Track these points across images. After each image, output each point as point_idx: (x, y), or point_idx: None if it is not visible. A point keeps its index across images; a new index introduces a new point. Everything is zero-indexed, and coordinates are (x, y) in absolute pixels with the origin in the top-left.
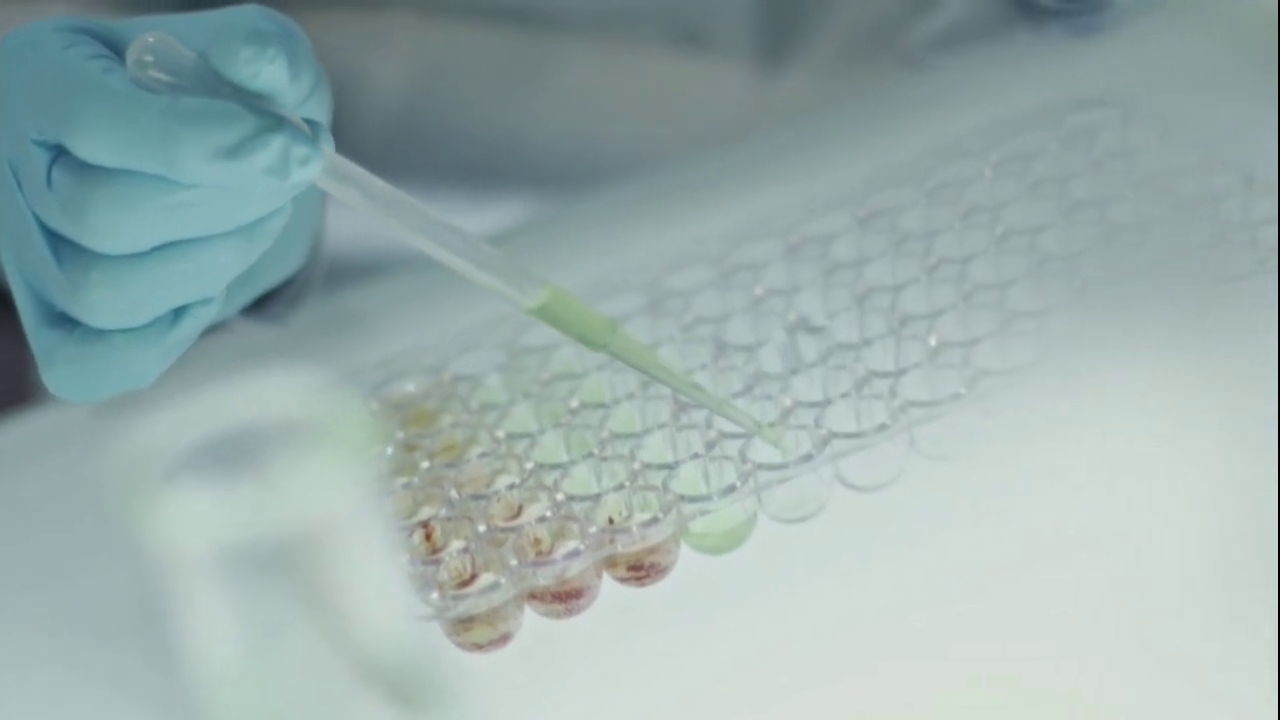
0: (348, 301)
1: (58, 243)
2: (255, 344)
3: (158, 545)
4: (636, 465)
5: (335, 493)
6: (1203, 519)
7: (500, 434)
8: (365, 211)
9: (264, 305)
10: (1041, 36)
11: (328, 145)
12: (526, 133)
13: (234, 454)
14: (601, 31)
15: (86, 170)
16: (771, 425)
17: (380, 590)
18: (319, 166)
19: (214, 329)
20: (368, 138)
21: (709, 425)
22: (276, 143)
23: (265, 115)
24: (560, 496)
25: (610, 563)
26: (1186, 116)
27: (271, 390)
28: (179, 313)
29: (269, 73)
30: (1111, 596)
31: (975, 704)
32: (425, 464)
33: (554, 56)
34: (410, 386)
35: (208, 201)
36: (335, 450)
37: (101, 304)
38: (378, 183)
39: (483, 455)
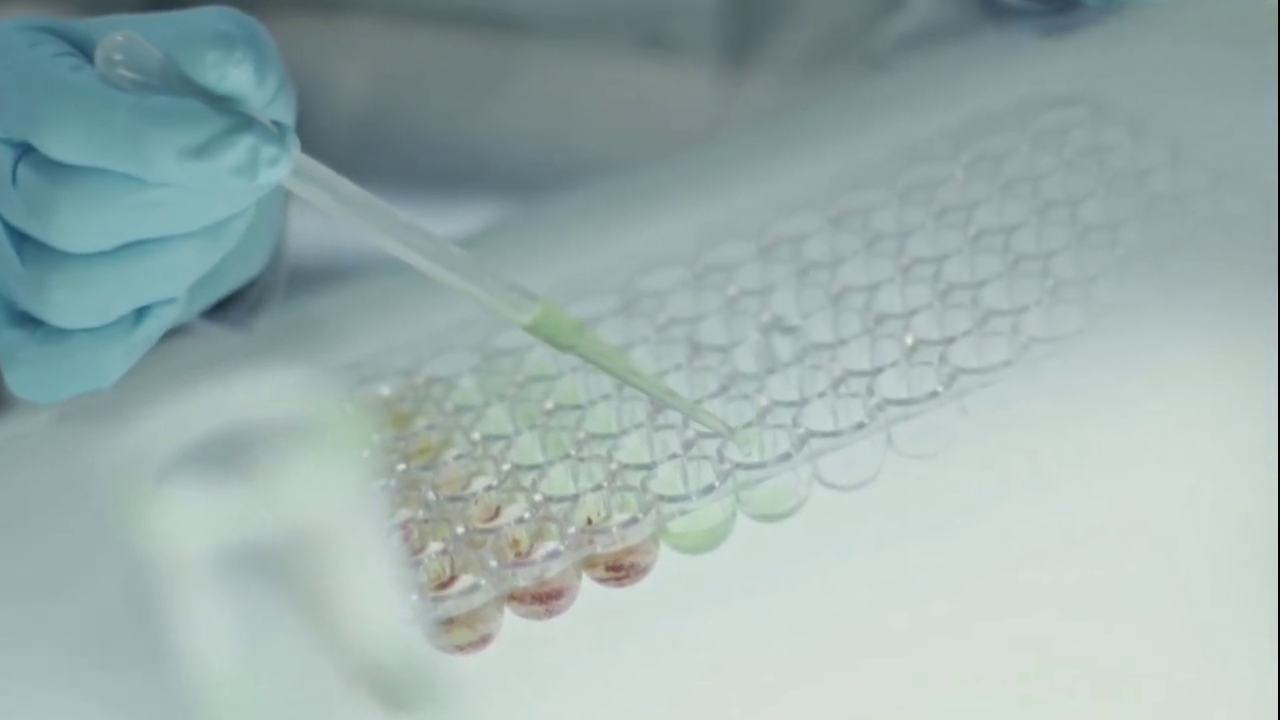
0: (316, 306)
1: (21, 241)
2: (229, 348)
3: (149, 548)
4: (614, 466)
5: (327, 493)
6: (1188, 517)
7: (476, 436)
8: (334, 214)
9: (225, 309)
10: (1009, 36)
11: (295, 146)
12: (492, 137)
13: (225, 456)
14: (566, 35)
15: (54, 168)
16: (745, 426)
17: (372, 591)
18: (287, 167)
19: (177, 333)
20: (333, 143)
21: (686, 425)
22: (245, 143)
23: (234, 115)
24: (538, 497)
25: (589, 563)
26: (1155, 114)
27: (263, 391)
28: (142, 313)
29: (236, 75)
30: (1093, 595)
31: (956, 702)
32: (401, 466)
33: (518, 61)
34: (384, 389)
35: (174, 201)
36: (327, 450)
37: (65, 303)
38: (347, 184)
39: (459, 457)
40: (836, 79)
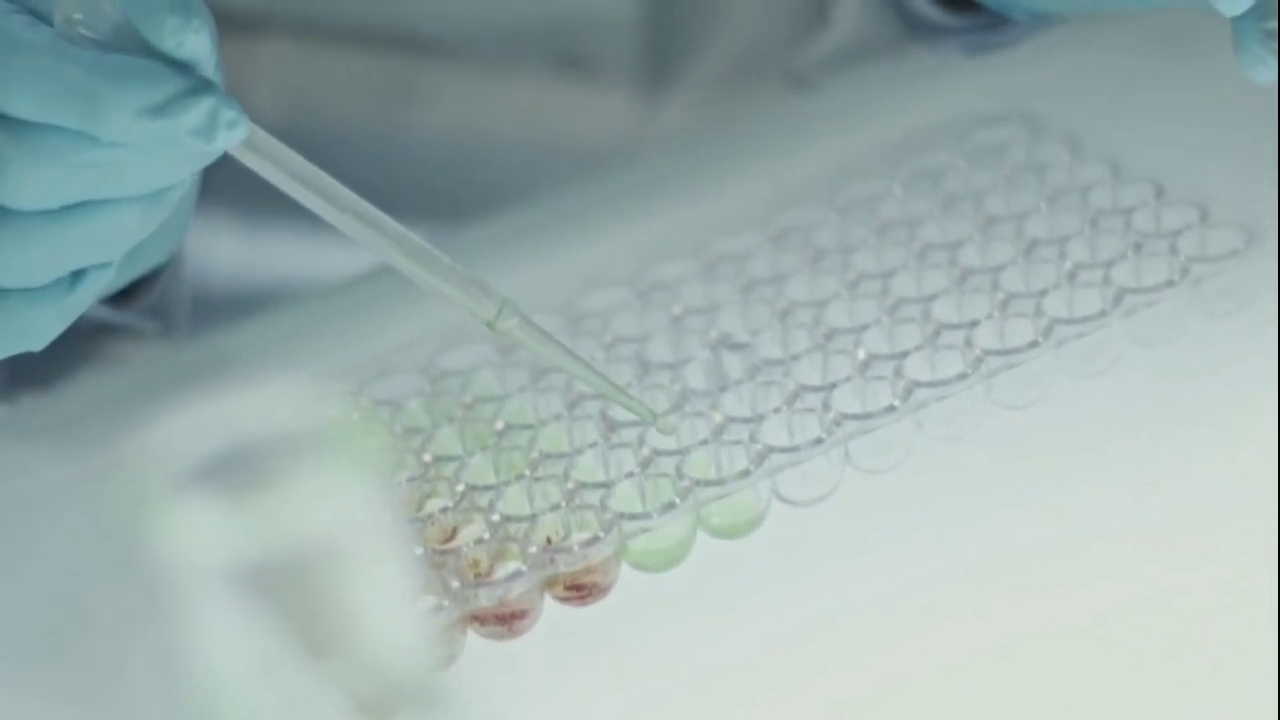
0: (253, 330)
1: None
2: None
3: (161, 558)
4: (570, 485)
5: (338, 505)
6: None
7: (427, 458)
8: (280, 185)
9: (129, 299)
10: (937, 54)
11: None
12: (408, 160)
13: (238, 467)
14: (482, 57)
15: (7, 124)
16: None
17: (379, 603)
18: (244, 131)
19: (94, 330)
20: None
21: (641, 443)
22: (205, 104)
23: (194, 77)
24: (495, 518)
25: (550, 582)
26: (1092, 130)
27: (274, 401)
28: (78, 276)
29: (194, 42)
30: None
31: (927, 712)
32: None
33: (434, 82)
34: (332, 411)
35: (123, 162)
36: (339, 462)
37: (5, 261)
38: (295, 157)
39: (411, 479)
40: (759, 99)
